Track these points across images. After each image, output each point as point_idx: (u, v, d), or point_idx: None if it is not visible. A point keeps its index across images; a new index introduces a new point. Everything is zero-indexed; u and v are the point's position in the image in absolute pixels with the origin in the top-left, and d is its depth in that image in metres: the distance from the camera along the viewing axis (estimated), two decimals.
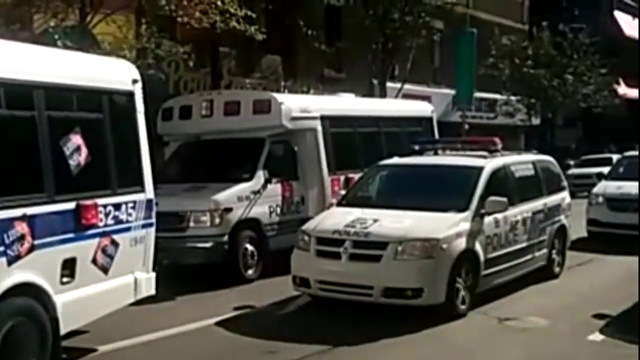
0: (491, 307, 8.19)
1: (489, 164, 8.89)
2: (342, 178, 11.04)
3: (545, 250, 9.68)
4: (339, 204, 9.10)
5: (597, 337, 7.21)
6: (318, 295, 8.19)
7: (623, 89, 33.39)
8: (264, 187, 10.12)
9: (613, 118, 31.52)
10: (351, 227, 7.92)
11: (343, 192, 10.12)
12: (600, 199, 13.27)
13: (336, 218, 8.32)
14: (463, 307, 7.85)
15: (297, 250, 8.27)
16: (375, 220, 7.95)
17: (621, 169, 14.38)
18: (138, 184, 6.90)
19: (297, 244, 8.31)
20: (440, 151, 9.96)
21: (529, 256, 9.26)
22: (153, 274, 7.05)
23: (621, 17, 36.13)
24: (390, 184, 9.58)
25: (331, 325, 7.54)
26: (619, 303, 8.22)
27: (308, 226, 8.45)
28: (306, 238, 8.16)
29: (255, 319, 8.05)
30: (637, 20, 37.52)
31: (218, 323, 7.68)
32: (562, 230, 10.21)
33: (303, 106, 11.08)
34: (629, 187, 12.92)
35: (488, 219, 8.31)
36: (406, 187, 9.23)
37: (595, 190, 13.76)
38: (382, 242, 7.67)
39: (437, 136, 13.13)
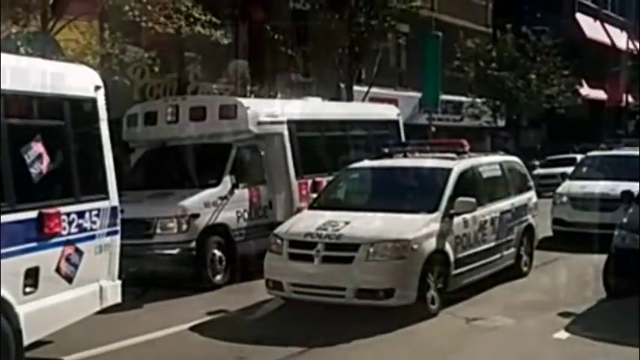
0: (460, 306, 8.24)
1: (457, 166, 8.97)
2: (310, 182, 11.03)
3: (513, 250, 9.78)
4: (311, 207, 9.11)
5: (563, 334, 7.29)
6: (291, 298, 8.18)
7: (585, 90, 33.89)
8: (231, 192, 10.07)
9: (576, 119, 31.97)
10: (322, 230, 7.94)
11: (313, 196, 10.12)
12: (564, 199, 13.44)
13: (308, 221, 8.32)
14: (434, 307, 7.89)
15: (269, 254, 8.24)
16: (347, 223, 7.98)
17: (584, 169, 14.60)
18: (102, 192, 6.80)
19: (269, 248, 8.29)
20: (409, 154, 10.02)
21: (497, 256, 9.34)
22: (118, 282, 6.96)
23: (583, 20, 36.71)
24: (361, 186, 9.65)
25: (304, 327, 7.53)
26: (584, 301, 8.34)
27: (280, 229, 8.45)
28: (278, 241, 8.15)
29: (227, 323, 7.99)
30: (599, 22, 38.19)
31: (190, 329, 7.62)
32: (529, 229, 10.32)
33: (270, 111, 11.06)
34: (593, 186, 13.12)
35: (457, 219, 8.38)
36: (377, 189, 9.34)
37: (559, 189, 13.94)
38: (354, 244, 7.70)
39: (403, 138, 13.20)
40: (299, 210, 9.83)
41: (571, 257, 11.54)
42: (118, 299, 6.97)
